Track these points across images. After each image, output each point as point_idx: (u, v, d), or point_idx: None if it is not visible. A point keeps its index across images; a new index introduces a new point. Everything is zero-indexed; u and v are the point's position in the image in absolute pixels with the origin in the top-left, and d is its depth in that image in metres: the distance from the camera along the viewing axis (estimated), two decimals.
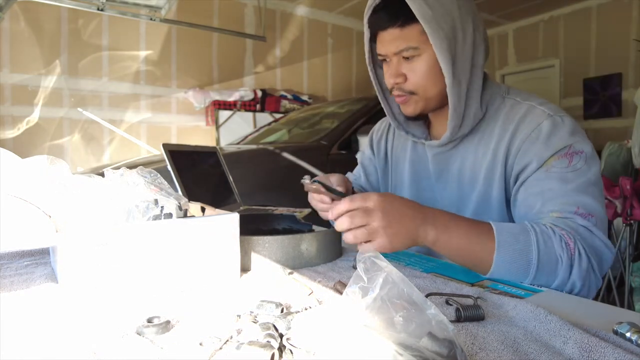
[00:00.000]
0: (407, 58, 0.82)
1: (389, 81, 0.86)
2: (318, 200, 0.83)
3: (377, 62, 0.94)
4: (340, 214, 0.63)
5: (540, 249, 0.66)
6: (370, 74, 0.96)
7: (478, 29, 0.81)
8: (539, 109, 0.81)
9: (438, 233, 0.66)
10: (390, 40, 0.81)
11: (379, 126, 1.15)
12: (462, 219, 0.70)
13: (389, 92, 0.93)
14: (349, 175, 1.21)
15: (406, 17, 0.78)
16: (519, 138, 0.80)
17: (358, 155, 1.20)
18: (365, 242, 0.63)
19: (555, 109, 0.81)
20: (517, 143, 0.80)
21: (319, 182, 0.72)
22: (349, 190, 0.92)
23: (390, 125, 1.10)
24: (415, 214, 0.66)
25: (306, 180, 0.73)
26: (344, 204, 0.63)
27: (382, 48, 0.84)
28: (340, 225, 0.63)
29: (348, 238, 0.63)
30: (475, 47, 0.81)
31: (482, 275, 0.69)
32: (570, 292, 0.68)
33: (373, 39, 0.88)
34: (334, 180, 0.88)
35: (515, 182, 0.81)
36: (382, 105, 0.97)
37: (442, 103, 0.87)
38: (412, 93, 0.84)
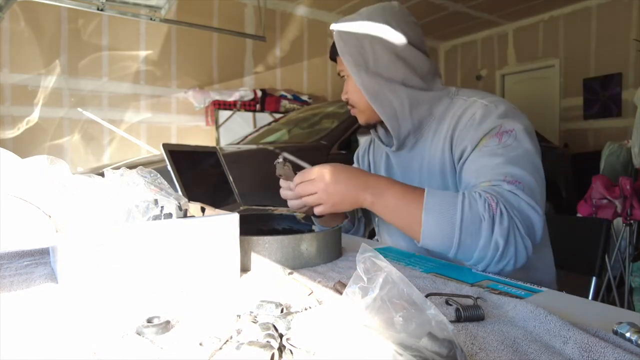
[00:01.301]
0: (344, 79, 1.01)
1: (342, 97, 1.04)
2: (285, 187, 0.93)
3: None
4: (295, 184, 0.83)
5: (465, 209, 0.72)
6: None
7: (394, 51, 0.93)
8: (478, 102, 0.90)
9: (375, 199, 0.79)
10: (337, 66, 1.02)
11: (363, 143, 1.29)
12: (399, 184, 0.80)
13: None
14: None
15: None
16: (459, 129, 0.89)
17: None
18: (315, 206, 0.82)
19: (495, 100, 0.90)
20: (457, 133, 0.89)
21: (287, 162, 0.85)
22: None
23: (371, 141, 1.23)
24: (355, 182, 0.80)
25: (279, 160, 0.87)
26: (296, 178, 0.83)
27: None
28: (294, 194, 0.84)
29: (295, 203, 0.85)
30: (390, 66, 0.93)
31: (416, 238, 0.76)
32: (496, 252, 0.72)
33: None
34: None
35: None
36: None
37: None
38: (353, 106, 1.02)
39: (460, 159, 0.88)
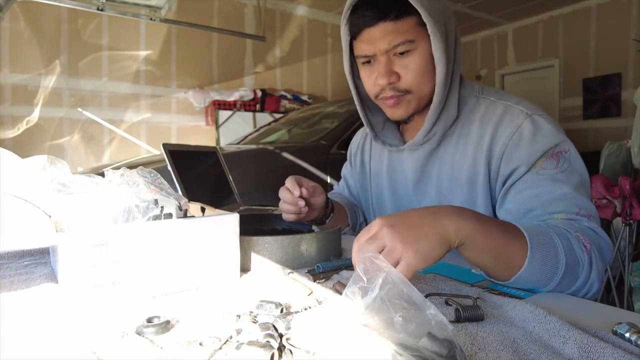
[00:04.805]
0: (400, 54, 0.77)
1: (378, 82, 0.79)
2: (287, 201, 0.85)
3: (355, 72, 0.89)
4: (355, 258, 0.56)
5: (566, 251, 0.62)
6: (350, 83, 0.90)
7: (456, 26, 0.81)
8: (516, 109, 0.79)
9: (474, 227, 0.56)
10: (381, 36, 0.75)
11: (356, 138, 1.13)
12: (477, 215, 0.60)
13: (367, 101, 0.90)
14: (336, 188, 1.24)
15: (399, 10, 0.73)
16: (501, 141, 0.77)
17: (342, 170, 1.20)
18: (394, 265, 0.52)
19: (532, 107, 0.79)
20: (499, 146, 0.78)
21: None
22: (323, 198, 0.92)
23: (366, 137, 1.08)
24: (433, 212, 0.56)
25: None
26: (354, 247, 0.56)
27: (368, 47, 0.77)
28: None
29: None
30: (456, 43, 0.81)
31: (503, 278, 0.62)
32: (585, 295, 0.66)
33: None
34: (311, 185, 0.89)
35: (503, 186, 0.79)
36: (361, 116, 0.92)
37: (427, 104, 0.83)
38: (407, 92, 0.80)
39: (507, 177, 0.77)
